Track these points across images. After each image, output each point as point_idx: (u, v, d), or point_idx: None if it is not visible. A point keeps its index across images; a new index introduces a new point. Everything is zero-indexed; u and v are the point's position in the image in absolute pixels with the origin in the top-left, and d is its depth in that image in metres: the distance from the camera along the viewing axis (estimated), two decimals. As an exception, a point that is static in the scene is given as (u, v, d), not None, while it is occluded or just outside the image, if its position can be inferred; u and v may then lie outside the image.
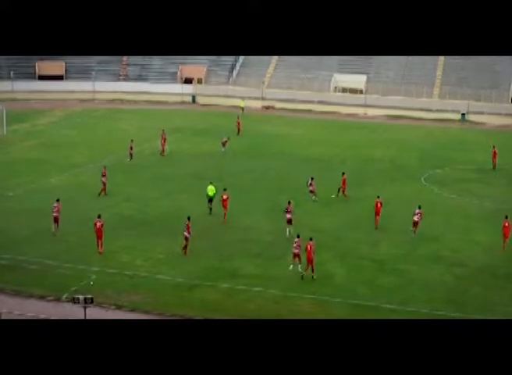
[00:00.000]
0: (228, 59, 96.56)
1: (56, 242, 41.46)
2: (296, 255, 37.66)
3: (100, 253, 39.83)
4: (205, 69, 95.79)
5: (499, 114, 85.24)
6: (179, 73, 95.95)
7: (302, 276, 37.12)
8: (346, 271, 38.60)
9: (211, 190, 47.44)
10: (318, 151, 67.15)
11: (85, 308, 27.68)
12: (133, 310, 33.34)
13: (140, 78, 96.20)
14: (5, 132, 71.41)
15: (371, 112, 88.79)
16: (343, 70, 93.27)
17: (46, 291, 35.14)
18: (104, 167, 52.01)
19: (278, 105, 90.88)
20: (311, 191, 50.52)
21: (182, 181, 55.56)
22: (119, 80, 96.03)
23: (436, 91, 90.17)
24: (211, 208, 47.07)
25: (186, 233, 39.85)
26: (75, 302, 27.76)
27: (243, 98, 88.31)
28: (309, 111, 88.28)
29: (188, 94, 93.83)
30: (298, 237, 37.98)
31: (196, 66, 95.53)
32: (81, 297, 27.69)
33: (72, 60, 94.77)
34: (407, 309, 33.82)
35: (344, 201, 50.82)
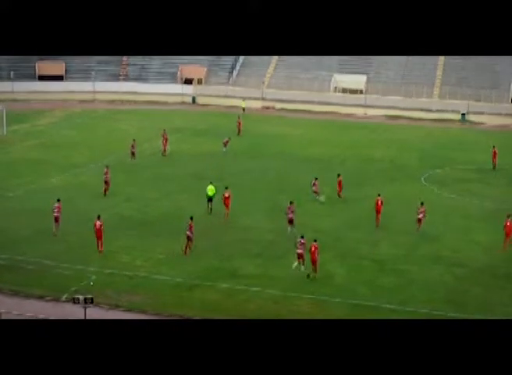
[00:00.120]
0: (228, 60, 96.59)
1: (56, 242, 41.46)
2: (300, 256, 37.70)
3: (100, 252, 39.86)
4: (205, 70, 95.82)
5: (499, 114, 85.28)
6: (179, 73, 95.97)
7: (308, 275, 37.11)
8: (346, 271, 38.59)
9: (210, 190, 47.53)
10: (318, 151, 67.16)
11: (85, 308, 27.69)
12: (133, 310, 33.31)
13: (140, 78, 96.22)
14: (5, 132, 71.43)
15: (371, 112, 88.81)
16: (342, 70, 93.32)
17: (46, 291, 35.12)
18: (107, 167, 52.01)
19: (278, 105, 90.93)
20: (315, 192, 50.60)
21: (182, 181, 55.56)
22: (119, 80, 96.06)
23: (436, 91, 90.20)
24: (211, 208, 47.18)
25: (188, 233, 39.87)
26: (75, 302, 27.78)
27: (243, 98, 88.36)
28: (309, 111, 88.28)
29: (188, 95, 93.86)
30: (302, 237, 38.00)
31: (196, 66, 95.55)
32: (81, 297, 27.71)
33: (72, 60, 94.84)
34: (407, 309, 33.80)
35: (344, 202, 50.82)
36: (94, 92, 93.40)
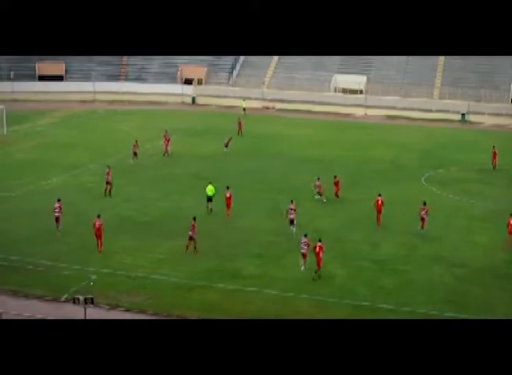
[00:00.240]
0: (228, 60, 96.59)
1: (56, 243, 41.45)
2: (304, 255, 37.75)
3: (100, 252, 39.86)
4: (205, 70, 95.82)
5: (499, 114, 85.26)
6: (179, 73, 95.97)
7: (315, 271, 37.24)
8: (346, 272, 38.56)
9: (210, 190, 47.59)
10: (318, 151, 67.16)
11: (85, 308, 27.68)
12: (133, 310, 33.29)
13: (140, 79, 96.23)
14: (5, 132, 71.45)
15: (371, 112, 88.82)
16: (343, 71, 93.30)
17: (46, 291, 35.12)
18: (109, 167, 51.98)
19: (278, 105, 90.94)
20: (319, 192, 50.66)
21: (182, 181, 55.56)
22: (119, 80, 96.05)
23: (436, 91, 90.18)
24: (211, 208, 47.24)
25: (191, 233, 39.89)
26: (75, 303, 27.77)
27: (244, 98, 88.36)
28: (309, 111, 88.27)
29: (188, 95, 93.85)
30: (305, 236, 38.04)
31: (196, 66, 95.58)
32: (81, 297, 27.70)
33: (73, 61, 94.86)
34: (408, 310, 33.79)
35: (344, 202, 50.80)
36: (94, 92, 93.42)
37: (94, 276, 36.59)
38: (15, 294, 34.93)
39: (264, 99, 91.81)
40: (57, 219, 42.65)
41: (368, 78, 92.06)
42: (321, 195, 50.60)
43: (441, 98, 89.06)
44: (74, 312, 29.69)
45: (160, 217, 46.70)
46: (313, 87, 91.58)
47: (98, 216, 40.48)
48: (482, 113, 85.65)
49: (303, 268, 37.88)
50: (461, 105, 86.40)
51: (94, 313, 29.01)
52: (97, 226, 40.05)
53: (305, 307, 34.18)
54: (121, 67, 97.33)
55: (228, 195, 46.80)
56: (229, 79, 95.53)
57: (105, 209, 45.73)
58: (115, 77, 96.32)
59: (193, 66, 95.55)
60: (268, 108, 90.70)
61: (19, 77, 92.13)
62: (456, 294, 36.05)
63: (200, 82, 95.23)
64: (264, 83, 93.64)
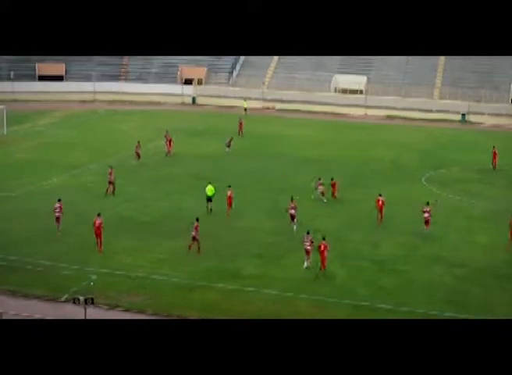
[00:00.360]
0: (228, 60, 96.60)
1: (57, 243, 41.45)
2: (307, 252, 37.82)
3: (100, 252, 39.87)
4: (205, 70, 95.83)
5: (500, 115, 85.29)
6: (179, 73, 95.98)
7: (319, 268, 37.37)
8: (346, 272, 38.55)
9: (210, 189, 47.64)
10: (318, 151, 67.17)
11: (85, 308, 27.68)
12: (132, 310, 33.29)
13: (140, 79, 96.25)
14: (5, 132, 71.46)
15: (371, 112, 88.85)
16: (343, 71, 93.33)
17: (46, 291, 35.11)
18: (111, 167, 51.97)
19: (278, 105, 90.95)
20: (321, 192, 50.70)
21: (183, 182, 55.58)
22: (119, 80, 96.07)
23: (436, 91, 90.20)
24: (211, 208, 47.28)
25: (194, 234, 39.89)
26: (75, 303, 27.77)
27: (245, 98, 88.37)
28: (309, 111, 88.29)
29: (188, 95, 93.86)
30: (308, 233, 38.09)
31: (196, 66, 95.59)
32: (81, 297, 27.70)
33: (73, 61, 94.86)
34: (407, 310, 33.77)
35: (344, 202, 50.82)
36: (95, 92, 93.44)
37: (94, 276, 36.57)
38: (14, 294, 34.92)
39: (264, 99, 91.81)
40: (57, 219, 42.71)
41: (367, 78, 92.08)
42: (323, 195, 50.64)
43: (441, 98, 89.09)
44: (74, 312, 29.68)
45: (160, 217, 46.71)
46: (313, 87, 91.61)
47: (98, 215, 40.53)
48: (482, 113, 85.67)
49: (306, 265, 37.91)
50: (461, 105, 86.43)
51: (93, 313, 29.00)
52: (97, 224, 40.08)
53: (305, 307, 34.17)
54: (121, 67, 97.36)
55: (229, 194, 46.94)
56: (229, 79, 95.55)
57: (105, 209, 45.69)
58: (115, 77, 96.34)
59: (193, 66, 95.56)
60: (268, 108, 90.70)
61: (19, 77, 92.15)
62: (456, 294, 36.05)
63: (200, 82, 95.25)
64: (264, 83, 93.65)
